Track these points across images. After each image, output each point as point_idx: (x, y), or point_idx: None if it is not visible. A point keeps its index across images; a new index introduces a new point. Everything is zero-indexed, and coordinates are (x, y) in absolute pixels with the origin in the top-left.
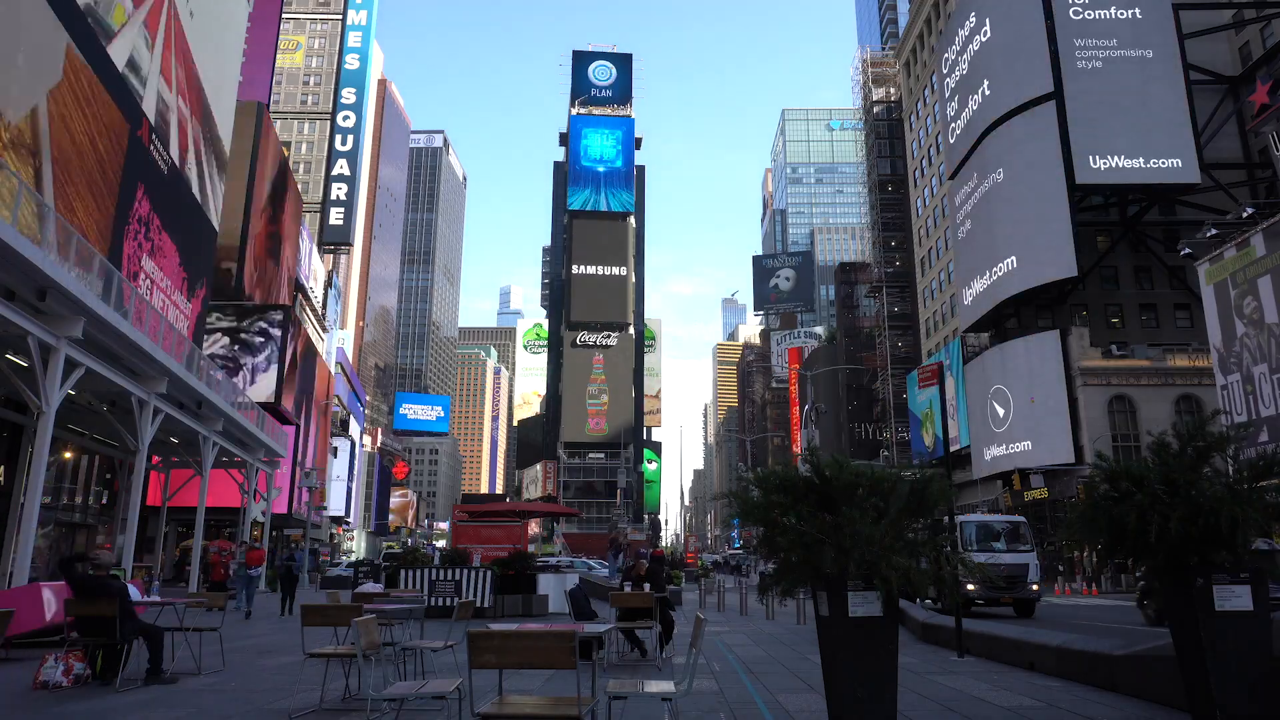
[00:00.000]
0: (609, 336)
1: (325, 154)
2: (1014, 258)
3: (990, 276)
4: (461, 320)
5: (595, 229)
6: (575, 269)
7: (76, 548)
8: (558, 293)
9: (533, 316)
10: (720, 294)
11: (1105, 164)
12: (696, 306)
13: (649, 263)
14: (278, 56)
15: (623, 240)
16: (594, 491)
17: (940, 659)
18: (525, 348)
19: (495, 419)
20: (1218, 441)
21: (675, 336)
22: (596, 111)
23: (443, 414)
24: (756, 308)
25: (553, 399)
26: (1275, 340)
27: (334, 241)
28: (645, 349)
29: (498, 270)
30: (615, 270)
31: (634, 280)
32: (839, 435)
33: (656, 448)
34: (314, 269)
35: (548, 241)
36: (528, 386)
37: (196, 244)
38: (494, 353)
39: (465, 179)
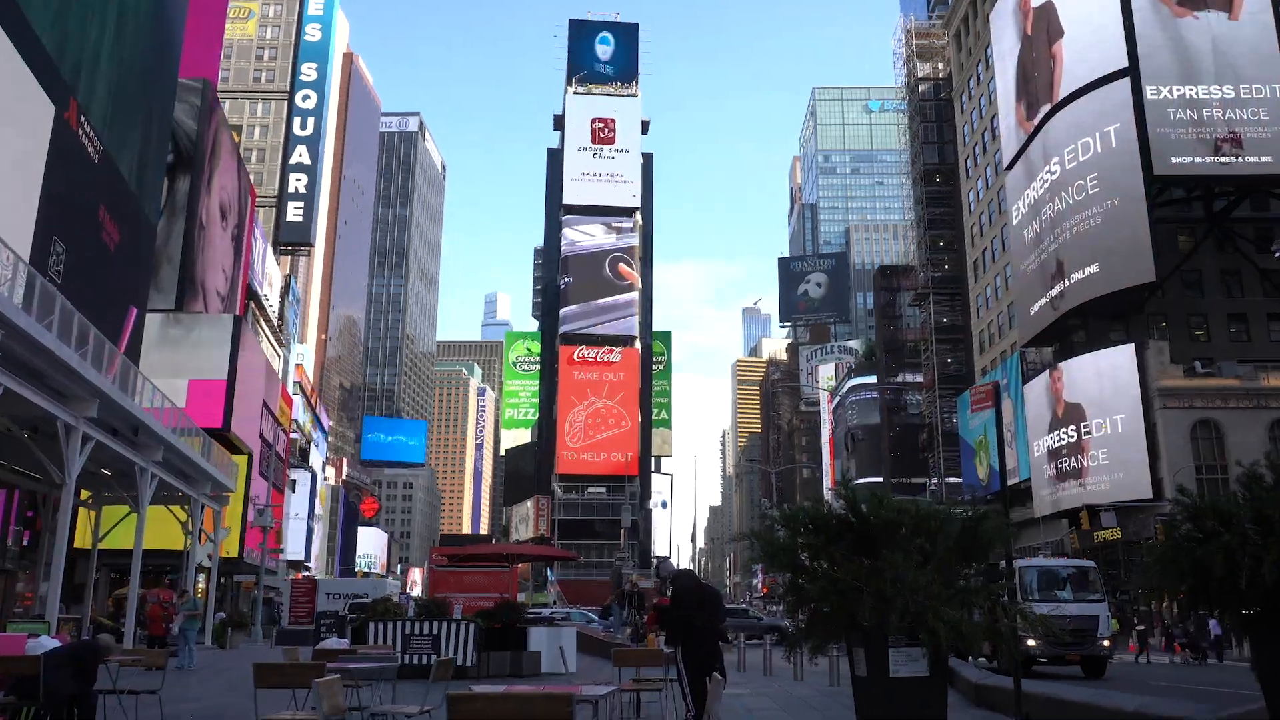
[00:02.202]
0: (611, 352)
1: (282, 139)
2: (1082, 260)
3: (1054, 282)
4: (440, 333)
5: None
6: (571, 274)
7: None
8: (552, 301)
9: (523, 326)
10: (740, 301)
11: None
12: (713, 317)
13: (658, 266)
14: (227, 26)
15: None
16: (594, 532)
17: None
18: (514, 365)
19: (479, 447)
20: None
21: (689, 351)
22: (597, 90)
23: (418, 442)
24: (783, 318)
25: (546, 424)
26: None
27: (292, 241)
28: (654, 366)
29: (482, 275)
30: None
31: (640, 285)
32: (878, 466)
33: (667, 480)
34: (269, 273)
35: (540, 241)
36: (517, 410)
37: (134, 242)
38: (478, 371)
39: (444, 169)
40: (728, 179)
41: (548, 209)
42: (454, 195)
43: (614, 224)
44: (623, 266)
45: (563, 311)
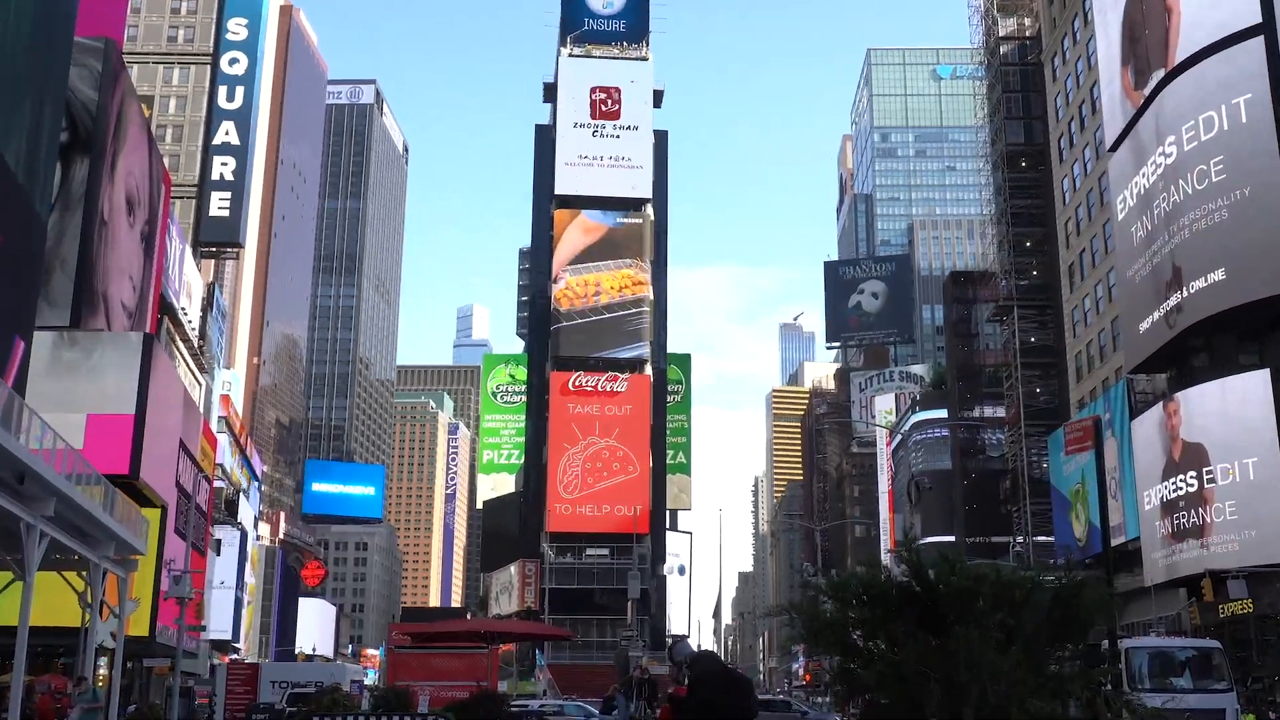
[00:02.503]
0: (616, 379)
1: (204, 114)
2: (1204, 265)
3: (1169, 292)
4: (402, 356)
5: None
6: (565, 281)
7: None
8: (541, 316)
9: (505, 348)
10: (777, 316)
11: None
12: (743, 335)
13: (674, 272)
14: None
15: (636, 240)
16: (593, 604)
17: None
18: (493, 396)
19: (450, 498)
20: None
21: (713, 378)
22: (597, 53)
23: (374, 492)
24: (830, 337)
25: (534, 470)
26: None
27: (217, 241)
28: (669, 396)
29: (455, 284)
30: (624, 285)
31: (652, 297)
32: (949, 522)
33: (685, 540)
34: (187, 281)
35: (525, 241)
36: (497, 452)
37: (21, 246)
38: (449, 403)
39: (406, 150)
40: (761, 164)
41: (536, 201)
42: (419, 184)
43: (620, 219)
44: (631, 273)
45: (555, 328)
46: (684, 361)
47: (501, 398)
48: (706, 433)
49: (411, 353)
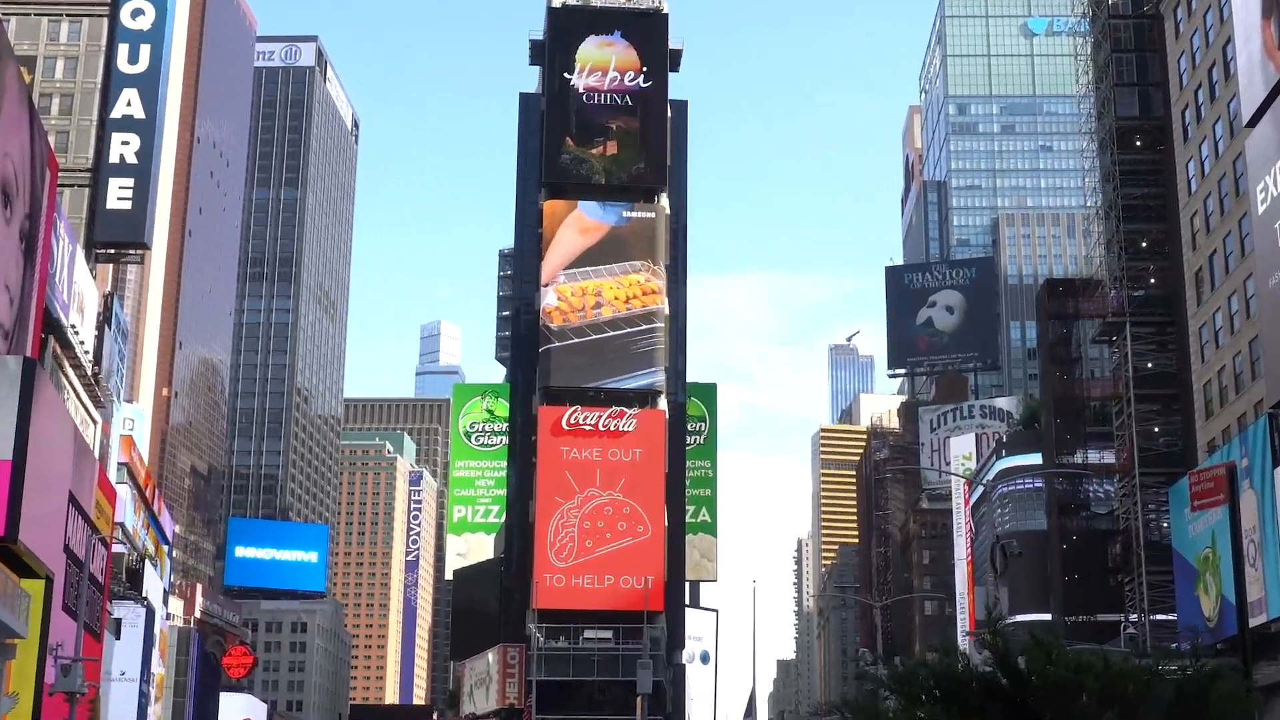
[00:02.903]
0: (621, 416)
1: (100, 81)
2: None
3: None
4: (351, 386)
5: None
6: (557, 290)
7: None
8: (527, 335)
9: (481, 376)
10: (825, 336)
11: None
12: (782, 360)
13: (696, 280)
14: None
15: (648, 239)
16: (593, 700)
17: None
18: (466, 437)
19: (412, 566)
20: None
21: (744, 414)
22: (596, 2)
23: (316, 558)
24: (894, 363)
25: (518, 531)
26: None
27: (116, 241)
28: (689, 438)
29: (418, 296)
30: (632, 295)
31: (667, 311)
32: (1044, 596)
33: (709, 620)
34: (79, 291)
35: (507, 241)
36: (471, 507)
37: None
38: (410, 446)
39: (357, 126)
40: (805, 144)
41: (521, 190)
42: (373, 168)
43: (626, 213)
44: (641, 280)
45: (544, 350)
46: (708, 393)
47: (477, 439)
48: (737, 484)
49: (363, 382)
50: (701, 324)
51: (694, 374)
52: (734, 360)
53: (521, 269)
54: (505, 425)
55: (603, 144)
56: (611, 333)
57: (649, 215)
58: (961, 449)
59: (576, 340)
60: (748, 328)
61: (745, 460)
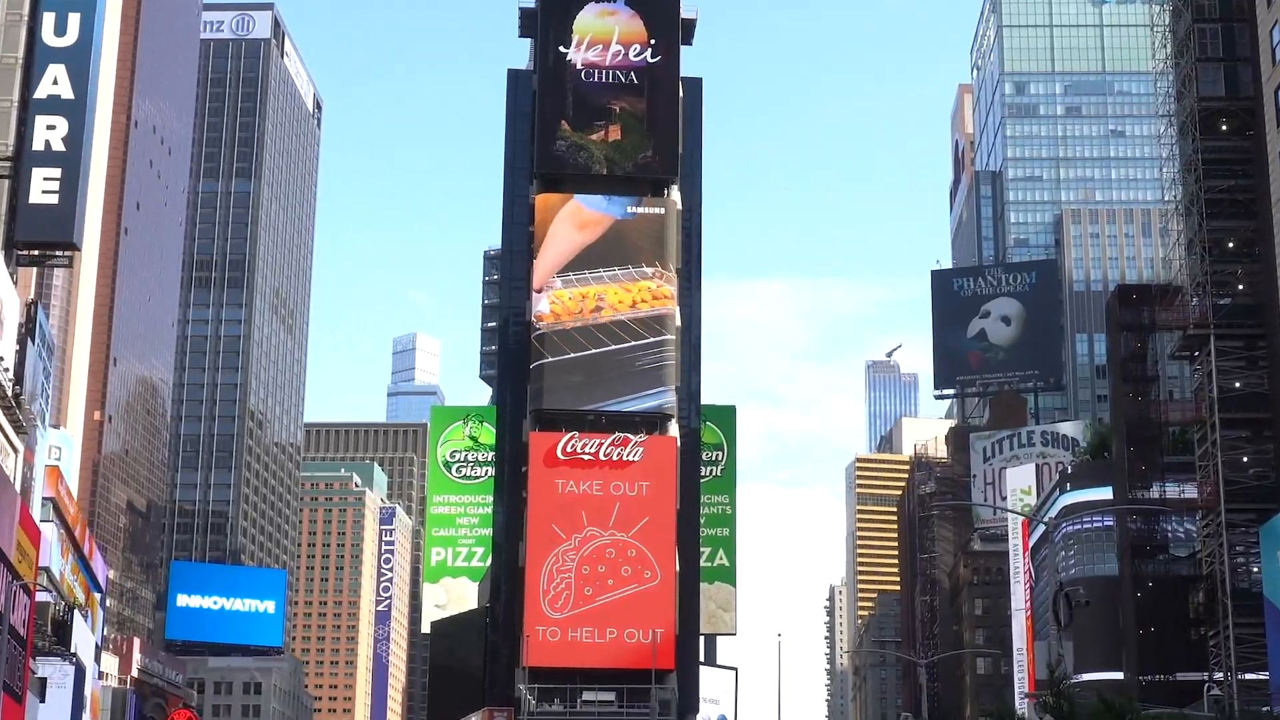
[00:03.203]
0: (626, 444)
1: (21, 54)
2: None
3: None
4: (313, 409)
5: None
6: (552, 296)
7: None
8: (516, 350)
9: (463, 397)
10: (861, 351)
11: None
12: (812, 378)
13: (712, 286)
14: None
15: (657, 238)
16: None
17: None
18: (446, 467)
19: (384, 618)
20: None
21: (768, 441)
22: None
23: (273, 608)
24: (941, 381)
25: (506, 577)
26: None
27: (40, 241)
28: (705, 470)
29: (390, 303)
30: (639, 301)
31: (679, 322)
32: (1115, 653)
33: (728, 679)
34: None
35: (494, 241)
36: (451, 550)
37: None
38: (381, 478)
39: (319, 108)
40: (838, 130)
41: (509, 181)
42: (338, 157)
43: (632, 208)
44: (648, 285)
45: (536, 367)
46: (727, 418)
47: (458, 470)
48: (760, 522)
49: (327, 405)
50: (719, 337)
51: (710, 395)
52: (756, 379)
53: (510, 273)
54: (491, 454)
55: (604, 128)
56: (614, 346)
57: (658, 211)
58: (1019, 482)
59: (574, 355)
60: (772, 341)
61: (769, 495)
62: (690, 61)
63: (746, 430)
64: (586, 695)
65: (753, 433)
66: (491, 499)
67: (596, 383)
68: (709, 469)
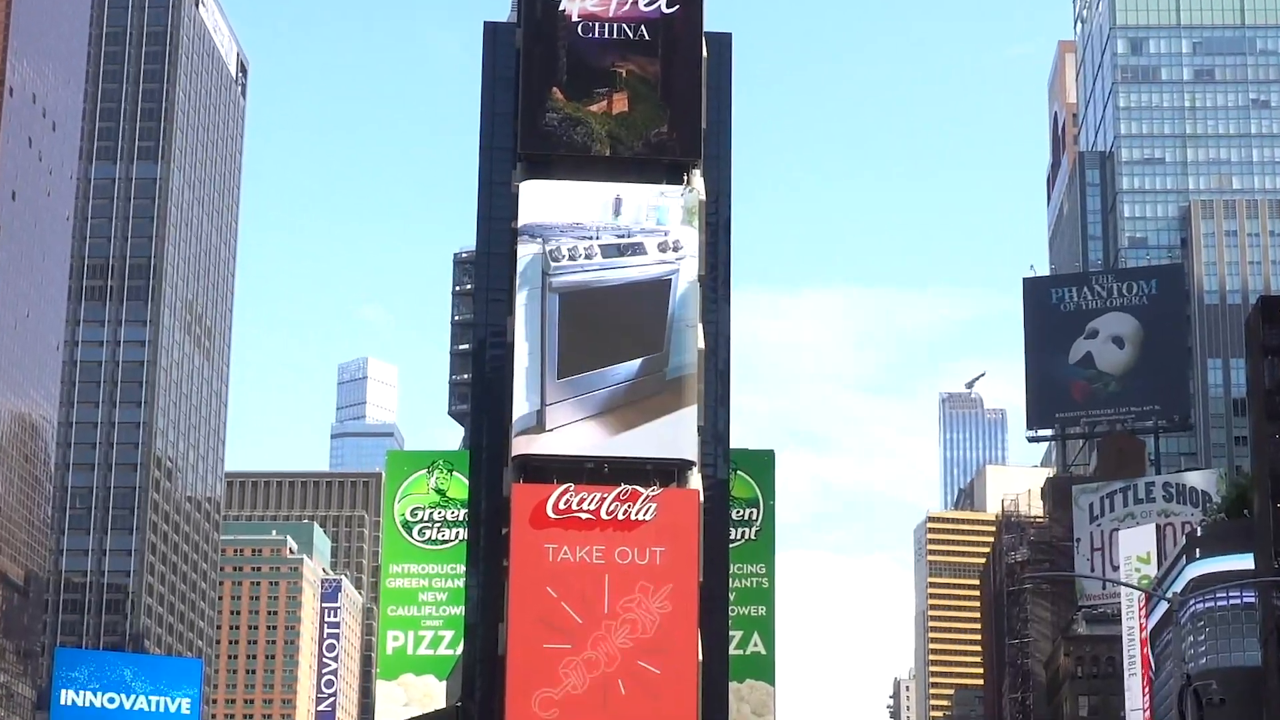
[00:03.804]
0: (635, 498)
1: None
2: None
3: None
4: (236, 456)
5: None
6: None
7: None
8: (494, 375)
9: (427, 438)
10: (932, 380)
11: None
12: (874, 414)
13: (744, 298)
14: None
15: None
16: None
17: None
18: (406, 529)
19: (326, 718)
20: None
21: (818, 493)
22: None
23: (187, 708)
24: (1036, 419)
25: (482, 669)
26: None
27: None
28: (736, 531)
29: (333, 321)
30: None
31: (701, 344)
32: None
33: None
34: None
35: (467, 240)
36: (410, 634)
37: None
38: (322, 541)
39: (245, 71)
40: (903, 101)
41: (485, 163)
42: (268, 133)
43: (641, 199)
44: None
45: (518, 401)
46: (764, 465)
47: (421, 532)
48: (806, 598)
49: (255, 449)
50: (753, 362)
51: (742, 436)
52: (801, 417)
53: (488, 281)
54: (463, 512)
55: (607, 97)
56: (618, 366)
57: (675, 202)
58: (1136, 547)
59: (566, 382)
60: (821, 368)
61: (818, 564)
62: (716, 12)
63: (789, 482)
64: None
65: (797, 485)
66: (463, 569)
67: (597, 419)
68: (741, 530)
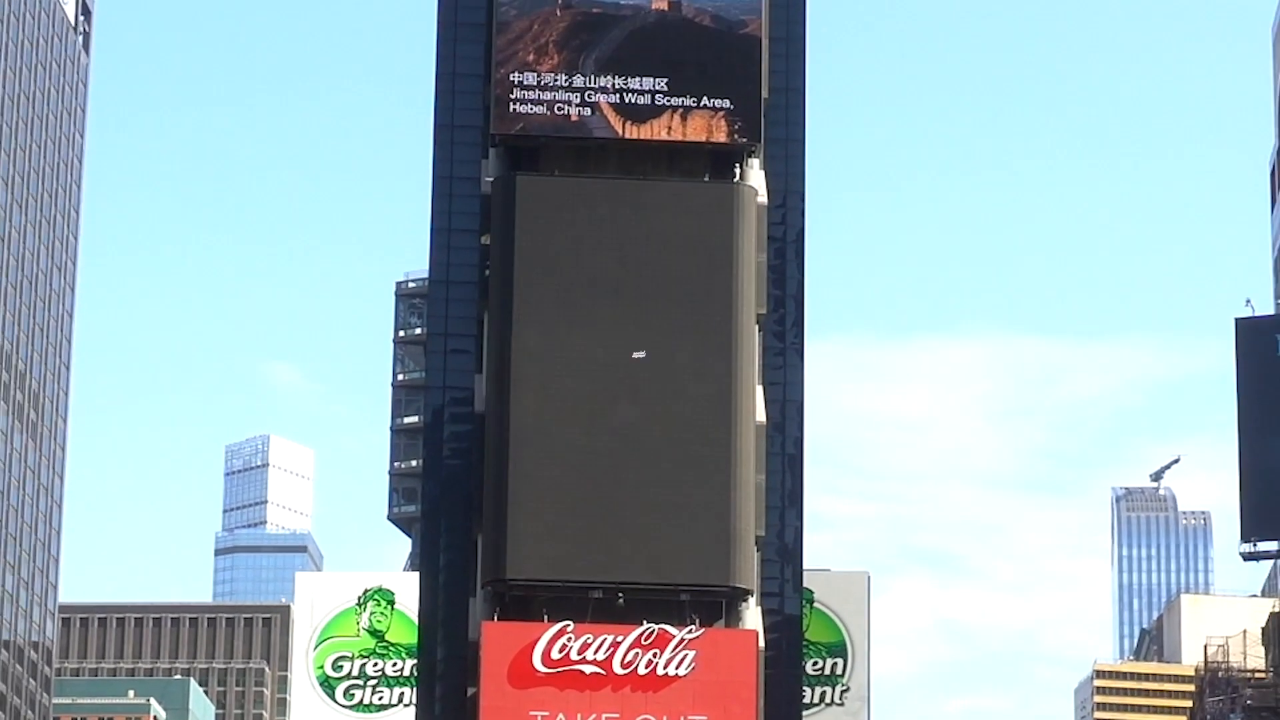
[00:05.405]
0: (660, 645)
1: None
2: None
3: None
4: (74, 584)
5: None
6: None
7: None
8: (455, 457)
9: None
10: (1107, 470)
11: None
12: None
13: (821, 344)
14: None
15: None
16: None
17: None
18: (326, 687)
19: None
20: None
21: (934, 633)
22: None
23: None
24: (1253, 527)
25: None
26: None
27: None
28: (813, 687)
29: (225, 383)
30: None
31: (761, 418)
32: None
33: None
34: None
35: (417, 263)
36: None
37: None
38: (204, 706)
39: (87, 16)
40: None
41: (442, 152)
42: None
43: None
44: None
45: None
46: (853, 595)
47: (349, 693)
48: None
49: (101, 574)
50: (841, 444)
51: (822, 551)
52: (914, 524)
53: (447, 325)
54: (410, 663)
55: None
56: (637, 447)
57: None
58: None
59: (562, 470)
60: (943, 454)
61: None
62: None
63: (896, 619)
64: None
65: (907, 624)
66: None
67: (607, 526)
68: (822, 690)
